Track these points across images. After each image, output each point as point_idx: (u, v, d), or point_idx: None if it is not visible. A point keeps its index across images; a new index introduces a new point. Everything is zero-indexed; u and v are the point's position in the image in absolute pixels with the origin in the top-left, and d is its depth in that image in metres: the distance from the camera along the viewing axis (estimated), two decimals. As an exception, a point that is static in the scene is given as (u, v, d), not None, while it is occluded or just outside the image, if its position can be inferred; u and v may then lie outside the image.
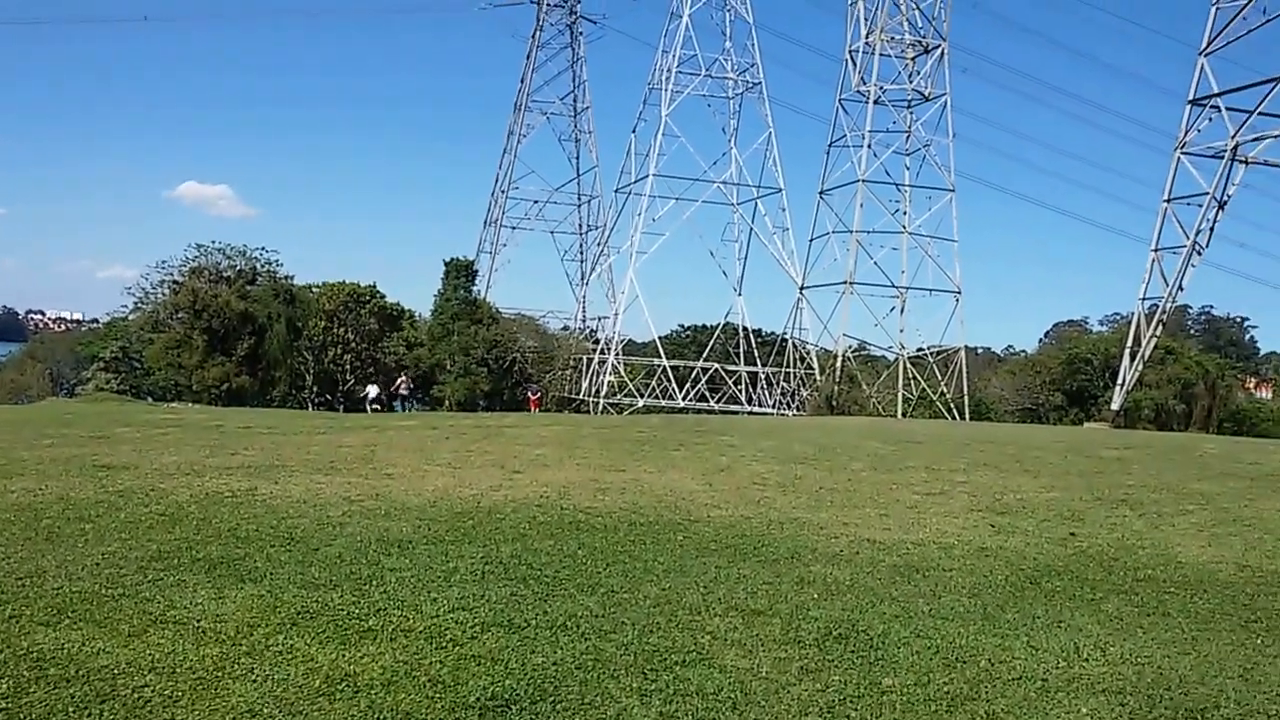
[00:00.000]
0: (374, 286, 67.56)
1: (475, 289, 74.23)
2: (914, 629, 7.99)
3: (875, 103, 64.35)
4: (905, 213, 65.31)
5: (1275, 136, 41.77)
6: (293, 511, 11.39)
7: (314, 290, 66.40)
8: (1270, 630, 8.25)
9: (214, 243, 63.52)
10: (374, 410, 46.90)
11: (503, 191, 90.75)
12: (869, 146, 64.24)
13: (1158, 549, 11.36)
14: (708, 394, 68.73)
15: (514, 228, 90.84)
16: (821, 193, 67.40)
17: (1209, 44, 43.54)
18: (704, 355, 73.34)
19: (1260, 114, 41.19)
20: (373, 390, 53.05)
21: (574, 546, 10.24)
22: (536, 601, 8.11)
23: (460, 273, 71.10)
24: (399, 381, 53.85)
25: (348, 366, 63.36)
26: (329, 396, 63.93)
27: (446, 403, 63.53)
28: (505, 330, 70.02)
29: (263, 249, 66.14)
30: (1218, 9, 43.40)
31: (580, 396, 68.23)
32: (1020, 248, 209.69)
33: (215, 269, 62.81)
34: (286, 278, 65.71)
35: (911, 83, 65.57)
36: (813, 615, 8.22)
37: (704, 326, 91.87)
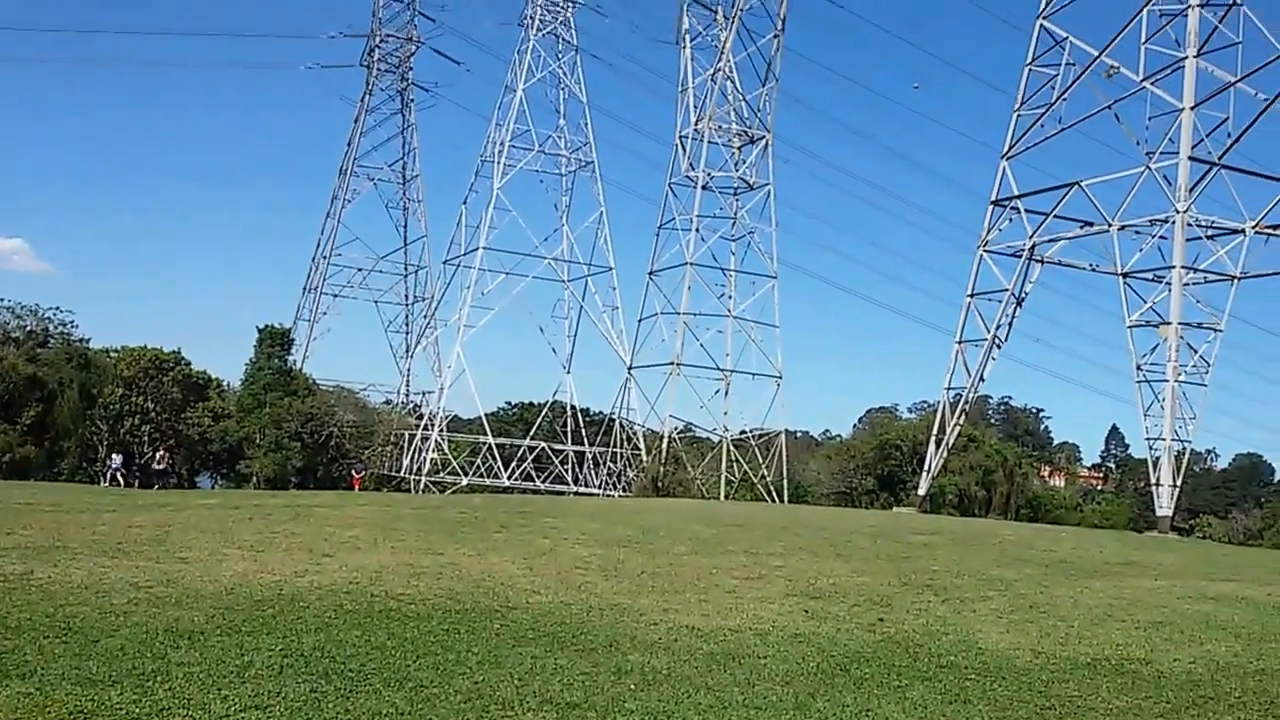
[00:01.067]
0: (179, 353, 64.56)
1: (291, 358, 71.97)
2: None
3: (704, 188, 66.07)
4: (731, 297, 66.97)
5: (1069, 238, 44.63)
6: (72, 598, 10.63)
7: (112, 355, 62.93)
8: (1063, 716, 8.57)
9: (1, 301, 59.93)
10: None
11: (324, 257, 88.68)
12: (697, 230, 65.80)
13: (960, 635, 11.73)
14: (534, 473, 68.17)
15: (336, 295, 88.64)
16: (651, 273, 68.53)
17: (1010, 148, 46.45)
18: (531, 433, 72.83)
19: (1056, 216, 43.96)
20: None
21: (383, 637, 9.87)
22: (338, 699, 7.74)
23: (275, 341, 68.82)
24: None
25: (145, 438, 60.11)
26: (123, 470, 60.50)
27: (254, 479, 61.03)
28: (322, 403, 67.97)
29: (56, 309, 62.61)
30: (1018, 116, 46.44)
31: (401, 474, 66.68)
32: (838, 335, 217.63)
33: (2, 329, 59.09)
34: (82, 340, 62.28)
35: (738, 171, 67.69)
36: (629, 707, 8.11)
37: (531, 404, 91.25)
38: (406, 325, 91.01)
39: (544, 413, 77.48)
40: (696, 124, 66.94)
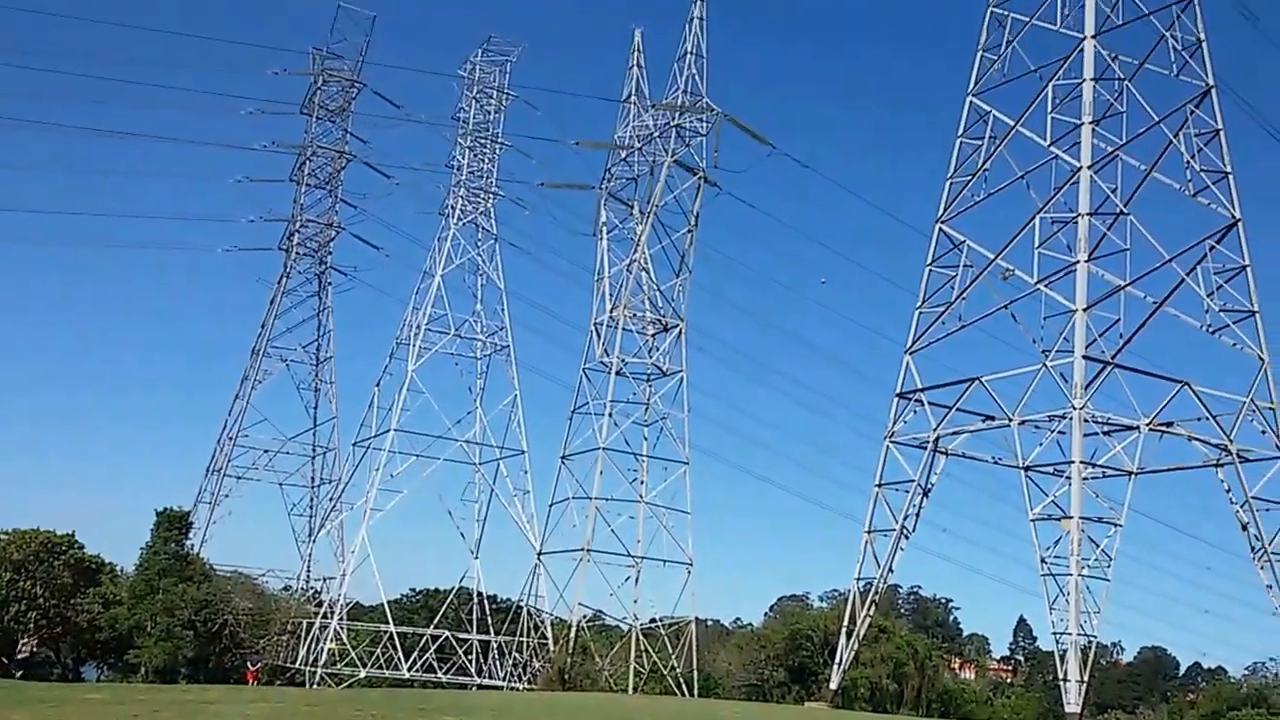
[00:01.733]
0: (72, 535, 62.01)
1: (189, 543, 69.50)
2: None
3: (617, 374, 66.74)
4: (643, 482, 66.79)
5: (971, 431, 45.70)
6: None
7: (1, 538, 60.38)
8: None
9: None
10: None
11: (230, 438, 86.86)
12: (610, 415, 66.06)
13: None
14: (436, 664, 65.87)
15: (239, 477, 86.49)
16: (563, 457, 68.22)
17: (913, 343, 47.93)
18: (435, 621, 70.80)
19: (958, 410, 45.09)
20: None
21: None
22: None
23: (172, 524, 66.62)
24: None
25: (31, 625, 56.97)
26: (4, 660, 57.11)
27: (143, 670, 57.95)
28: (218, 589, 65.40)
29: (-61, 491, 60.30)
30: (920, 313, 48.14)
31: (297, 666, 63.89)
32: (749, 521, 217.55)
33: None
34: (-32, 523, 59.61)
35: (651, 357, 68.68)
36: None
37: (437, 590, 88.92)
38: (311, 509, 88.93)
39: (449, 600, 75.62)
40: (611, 312, 68.21)
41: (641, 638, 62.98)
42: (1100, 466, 44.09)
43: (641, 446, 68.07)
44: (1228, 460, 41.88)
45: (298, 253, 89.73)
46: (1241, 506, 41.72)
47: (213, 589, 64.43)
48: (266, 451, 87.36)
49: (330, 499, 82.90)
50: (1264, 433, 42.43)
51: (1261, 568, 41.53)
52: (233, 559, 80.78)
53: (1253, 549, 41.69)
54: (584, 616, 63.97)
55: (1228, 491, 42.22)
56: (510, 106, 79.03)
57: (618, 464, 65.99)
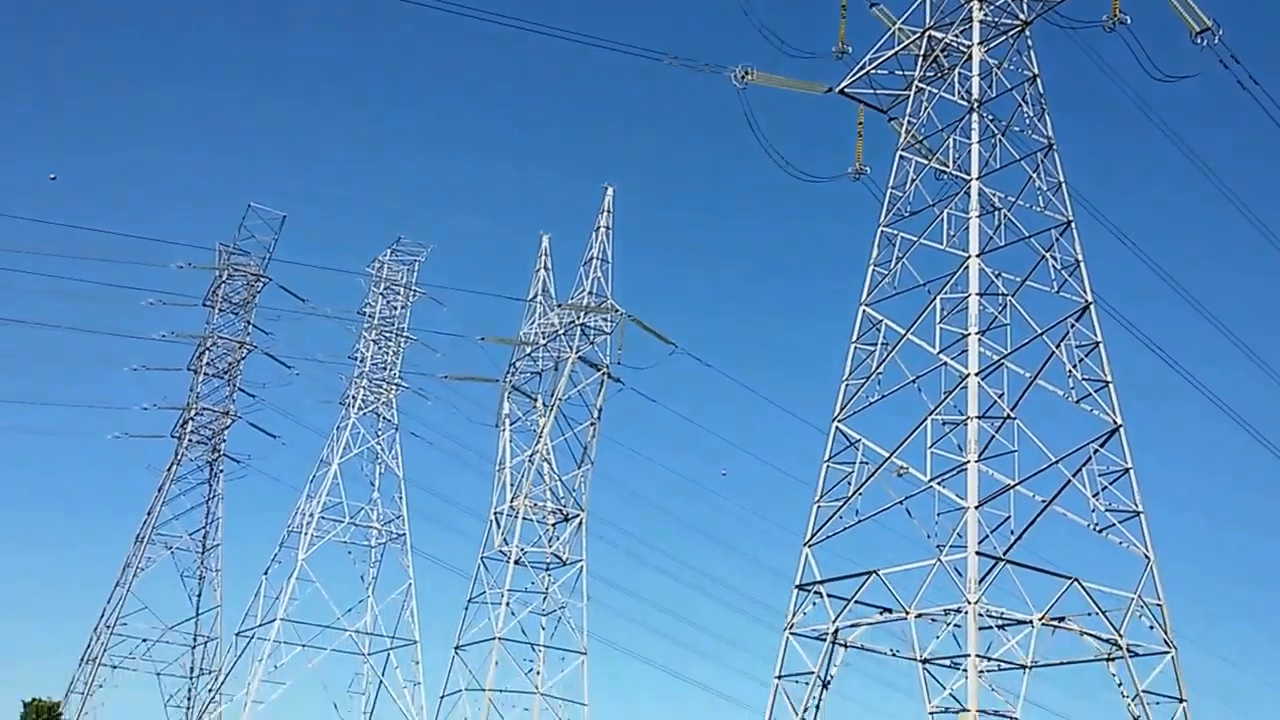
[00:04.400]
0: (-68, 724, 58.42)
1: (59, 734, 65.81)
2: None
3: (516, 563, 66.37)
4: (539, 673, 65.71)
5: (870, 624, 46.29)
6: None
7: None
8: None
9: None
10: None
11: (108, 627, 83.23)
12: (507, 605, 65.38)
13: None
14: None
15: (115, 667, 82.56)
16: (457, 648, 66.85)
17: (812, 536, 48.80)
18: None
19: (857, 602, 45.69)
20: None
21: None
22: None
23: (40, 715, 63.35)
24: None
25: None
26: None
27: None
28: (90, 783, 61.72)
29: None
30: (818, 507, 49.28)
31: None
32: (649, 713, 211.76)
33: None
34: None
35: (551, 546, 68.55)
36: None
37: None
38: (189, 700, 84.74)
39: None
40: (512, 501, 68.38)
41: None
42: (995, 660, 44.97)
43: (539, 636, 67.32)
44: (1118, 655, 43.11)
45: (190, 440, 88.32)
46: (1133, 700, 42.73)
47: (84, 783, 60.77)
48: (145, 640, 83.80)
49: (210, 690, 79.40)
50: (1152, 628, 43.85)
51: (1153, 761, 42.32)
52: (104, 755, 76.27)
53: (1147, 745, 42.52)
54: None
55: (1119, 685, 43.21)
56: (416, 302, 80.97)
57: (513, 654, 65.06)
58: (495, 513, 68.95)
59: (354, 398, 75.74)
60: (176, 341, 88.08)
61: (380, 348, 78.73)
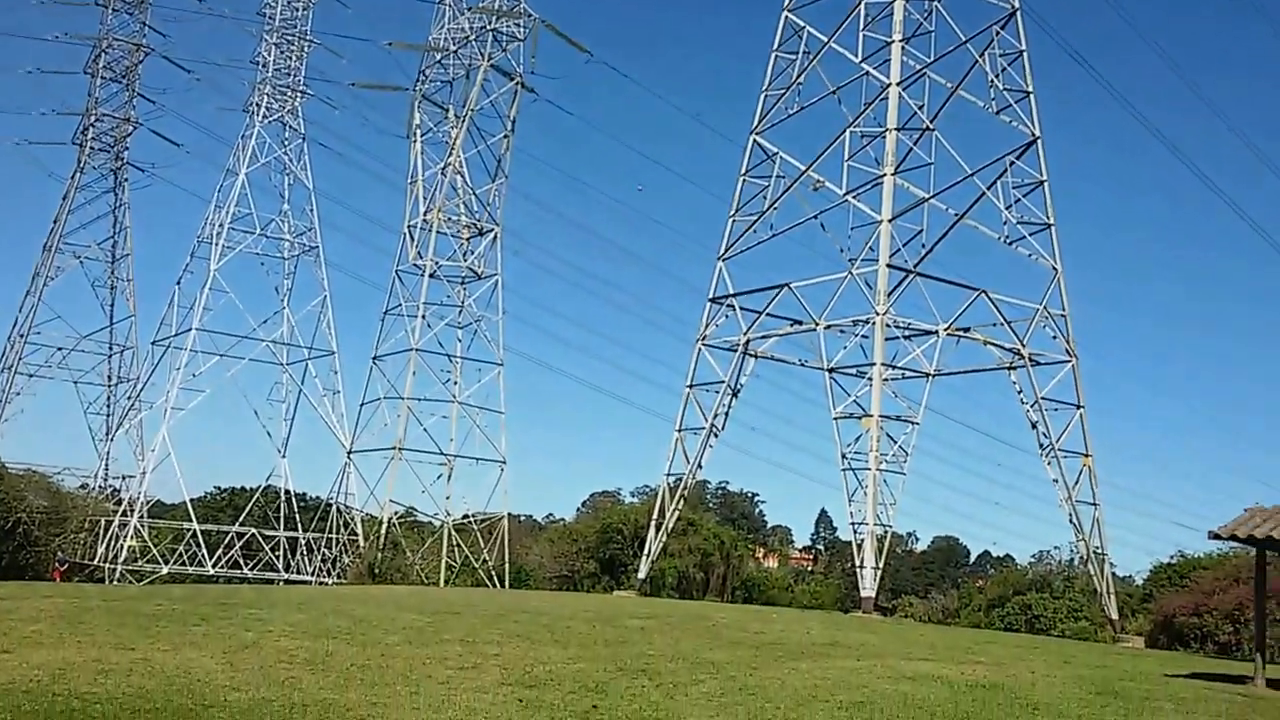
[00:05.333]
0: None
1: (-24, 442, 65.68)
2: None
3: (431, 276, 65.58)
4: (456, 383, 66.30)
5: (780, 335, 46.93)
6: None
7: None
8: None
9: None
10: None
11: (21, 335, 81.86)
12: (423, 317, 65.06)
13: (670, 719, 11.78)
14: (242, 561, 64.61)
15: (31, 375, 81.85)
16: (375, 358, 67.02)
17: (726, 250, 48.60)
18: (241, 519, 69.15)
19: (768, 314, 46.12)
20: None
21: (53, 743, 8.89)
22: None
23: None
24: None
25: None
26: None
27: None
28: (10, 488, 62.04)
29: None
30: (733, 221, 48.75)
31: (96, 563, 61.54)
32: (563, 420, 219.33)
33: None
34: None
35: (466, 260, 67.63)
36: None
37: (243, 489, 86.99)
38: (108, 407, 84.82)
39: (255, 498, 74.09)
40: (425, 215, 66.69)
41: (454, 533, 63.15)
42: (900, 369, 46.09)
43: (455, 348, 67.45)
44: (1020, 364, 44.32)
45: (92, 147, 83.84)
46: (1032, 406, 44.31)
47: (4, 488, 61.09)
48: (60, 349, 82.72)
49: (129, 397, 79.34)
50: (1055, 338, 45.01)
51: (1048, 463, 44.34)
52: (25, 457, 76.89)
53: (1041, 446, 44.41)
54: (395, 513, 63.64)
55: (1019, 393, 44.72)
56: (319, 4, 75.76)
57: (430, 365, 65.31)
58: (409, 226, 67.36)
59: (258, 105, 71.88)
60: (71, 43, 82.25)
61: (283, 52, 74.17)
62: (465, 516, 64.82)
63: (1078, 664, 19.89)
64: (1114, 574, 47.93)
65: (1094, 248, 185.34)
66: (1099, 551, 44.87)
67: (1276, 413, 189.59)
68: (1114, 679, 17.04)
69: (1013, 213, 44.60)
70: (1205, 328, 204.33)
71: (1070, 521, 44.62)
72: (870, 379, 41.51)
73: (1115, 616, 45.20)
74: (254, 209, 70.46)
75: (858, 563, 40.78)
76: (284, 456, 72.70)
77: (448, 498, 64.28)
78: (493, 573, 62.57)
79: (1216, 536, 17.98)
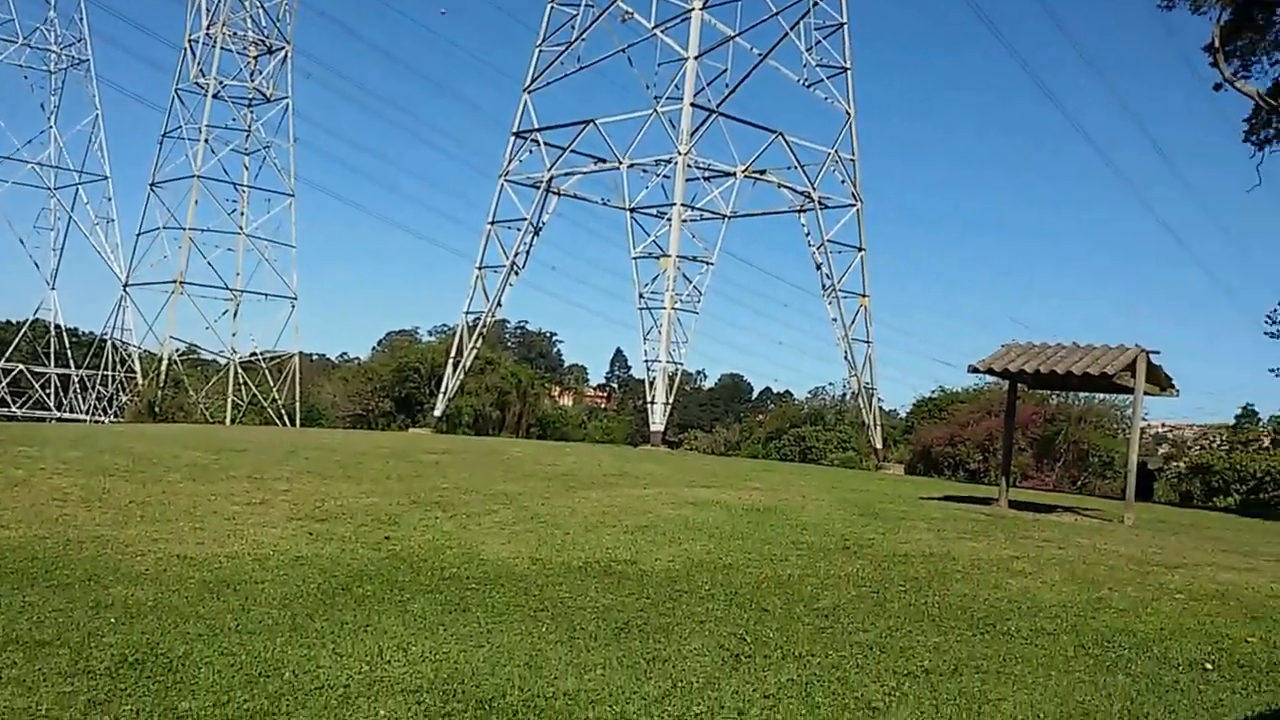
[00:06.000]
0: None
1: None
2: (218, 647, 7.67)
3: (214, 97, 61.85)
4: (242, 213, 63.52)
5: (584, 173, 46.76)
6: None
7: None
8: (554, 618, 9.10)
9: None
10: None
11: None
12: (206, 141, 61.53)
13: (464, 548, 12.08)
14: (9, 399, 61.18)
15: None
16: (153, 185, 63.24)
17: (531, 82, 47.63)
18: (7, 355, 65.16)
19: (572, 151, 45.80)
20: None
21: None
22: None
23: None
24: None
25: None
26: None
27: None
28: None
29: None
30: (540, 51, 47.68)
31: None
32: (358, 256, 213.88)
33: None
34: None
35: (253, 81, 63.94)
36: (107, 642, 7.57)
37: (9, 323, 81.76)
38: None
39: (23, 332, 69.81)
40: (208, 29, 62.33)
41: (240, 371, 61.49)
42: (699, 209, 46.89)
43: (242, 176, 64.44)
44: (810, 206, 45.69)
45: None
46: (818, 248, 45.94)
47: None
48: None
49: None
50: (843, 182, 46.52)
51: (829, 303, 46.37)
52: None
53: (824, 286, 46.33)
54: (176, 350, 61.31)
55: (807, 235, 46.26)
56: None
57: (214, 194, 62.28)
58: (190, 40, 62.91)
59: (9, -100, 65.09)
60: None
61: None
62: (253, 354, 63.10)
63: (843, 489, 21.36)
64: (881, 408, 51.18)
65: (887, 91, 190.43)
66: (869, 387, 47.65)
67: (1034, 257, 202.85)
68: (874, 502, 18.40)
69: (812, 55, 45.23)
70: (974, 173, 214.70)
71: (845, 359, 47.10)
72: (670, 219, 42.05)
73: (879, 446, 48.38)
74: (15, 15, 64.35)
75: (649, 399, 42.04)
76: (53, 289, 68.66)
77: (234, 334, 62.37)
78: (283, 412, 61.48)
79: (975, 370, 19.33)
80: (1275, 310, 35.19)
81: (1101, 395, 41.61)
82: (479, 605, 9.41)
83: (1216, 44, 30.59)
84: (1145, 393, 18.70)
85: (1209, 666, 8.33)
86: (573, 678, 7.42)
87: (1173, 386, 19.60)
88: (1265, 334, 34.99)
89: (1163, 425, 63.88)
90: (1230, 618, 9.96)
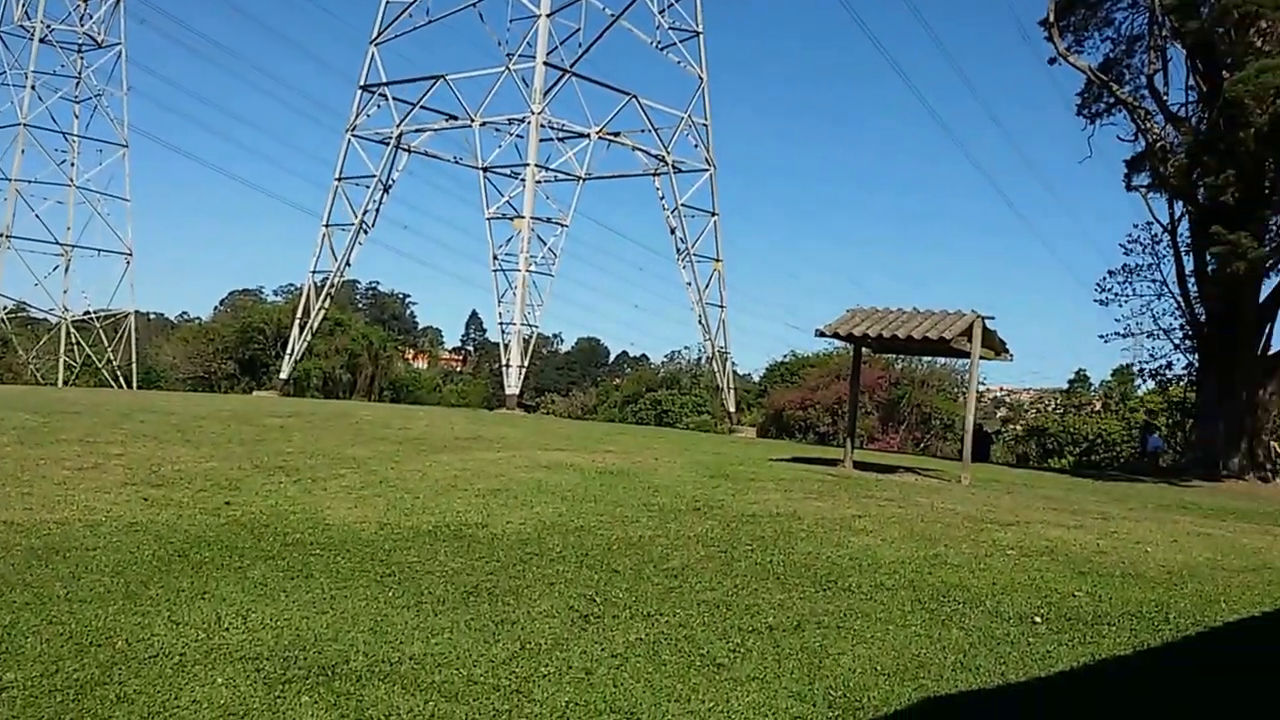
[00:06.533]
0: None
1: None
2: (46, 616, 7.32)
3: (42, 41, 58.42)
4: (73, 164, 60.42)
5: (435, 129, 45.90)
6: None
7: None
8: (401, 582, 8.97)
9: None
10: None
11: None
12: (33, 88, 58.21)
13: (308, 513, 11.80)
14: None
15: None
16: (-28, 134, 59.48)
17: (379, 35, 46.42)
18: None
19: (422, 107, 44.90)
20: None
21: None
22: None
23: None
24: None
25: None
26: None
27: None
28: None
29: None
30: (387, 3, 46.47)
31: None
32: (198, 212, 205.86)
33: None
34: None
35: (83, 25, 60.62)
36: (-83, 616, 7.13)
37: None
38: None
39: None
40: (35, -35, 58.78)
41: (73, 330, 58.70)
42: (553, 170, 46.58)
43: (72, 125, 61.23)
44: (664, 170, 45.88)
45: None
46: (672, 213, 46.24)
47: None
48: None
49: None
50: (696, 146, 46.85)
51: (683, 267, 46.77)
52: None
53: (678, 250, 46.69)
54: (3, 308, 58.08)
55: (661, 199, 46.50)
56: None
57: (42, 143, 59.03)
58: (11, -22, 59.19)
59: None
60: None
61: None
62: (86, 313, 60.28)
63: (695, 451, 21.65)
64: (735, 372, 52.03)
65: (738, 59, 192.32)
66: (723, 351, 48.36)
67: (882, 226, 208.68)
68: (725, 464, 18.71)
69: (665, 17, 45.28)
70: (829, 140, 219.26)
71: (699, 323, 47.69)
72: (524, 179, 41.70)
73: (733, 410, 49.25)
74: None
75: (504, 362, 41.79)
76: None
77: (65, 292, 59.43)
78: (118, 373, 58.97)
79: (821, 334, 19.77)
80: (1104, 279, 37.13)
81: (944, 360, 43.21)
82: (323, 571, 9.21)
83: (1051, 19, 31.87)
84: (981, 357, 19.45)
85: (1038, 620, 8.72)
86: (419, 642, 7.33)
87: (1007, 351, 20.41)
88: (1095, 301, 36.85)
89: (1001, 390, 66.80)
90: (1059, 573, 10.45)
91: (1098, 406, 51.80)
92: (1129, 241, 36.37)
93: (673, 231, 46.40)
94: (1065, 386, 62.66)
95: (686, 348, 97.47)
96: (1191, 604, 9.43)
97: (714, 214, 47.01)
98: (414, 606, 8.20)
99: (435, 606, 8.23)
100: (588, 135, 44.35)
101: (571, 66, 43.07)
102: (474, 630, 7.67)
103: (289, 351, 48.74)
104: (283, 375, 48.84)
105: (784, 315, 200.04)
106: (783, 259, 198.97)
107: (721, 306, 47.76)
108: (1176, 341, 36.11)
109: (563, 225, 46.61)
